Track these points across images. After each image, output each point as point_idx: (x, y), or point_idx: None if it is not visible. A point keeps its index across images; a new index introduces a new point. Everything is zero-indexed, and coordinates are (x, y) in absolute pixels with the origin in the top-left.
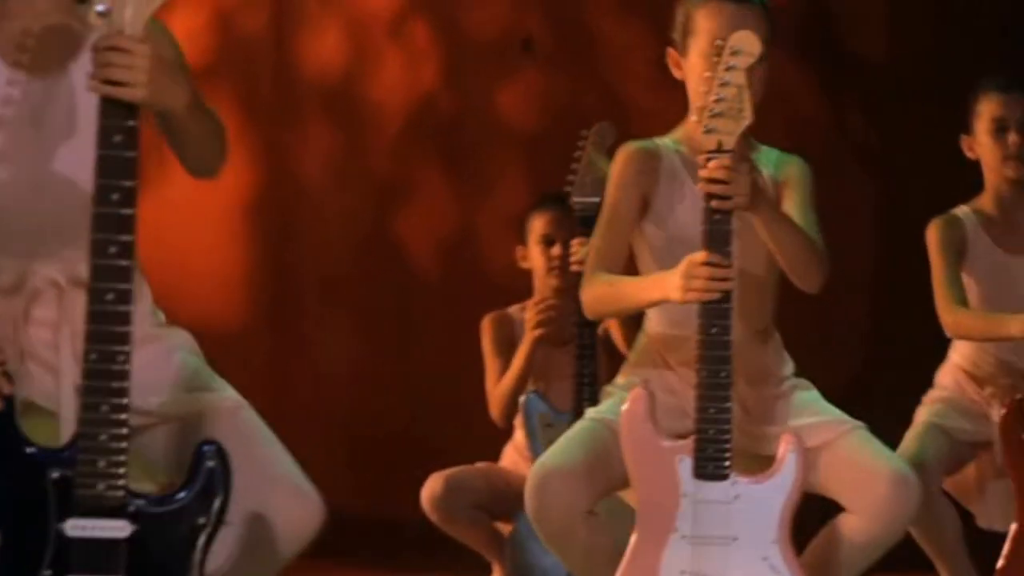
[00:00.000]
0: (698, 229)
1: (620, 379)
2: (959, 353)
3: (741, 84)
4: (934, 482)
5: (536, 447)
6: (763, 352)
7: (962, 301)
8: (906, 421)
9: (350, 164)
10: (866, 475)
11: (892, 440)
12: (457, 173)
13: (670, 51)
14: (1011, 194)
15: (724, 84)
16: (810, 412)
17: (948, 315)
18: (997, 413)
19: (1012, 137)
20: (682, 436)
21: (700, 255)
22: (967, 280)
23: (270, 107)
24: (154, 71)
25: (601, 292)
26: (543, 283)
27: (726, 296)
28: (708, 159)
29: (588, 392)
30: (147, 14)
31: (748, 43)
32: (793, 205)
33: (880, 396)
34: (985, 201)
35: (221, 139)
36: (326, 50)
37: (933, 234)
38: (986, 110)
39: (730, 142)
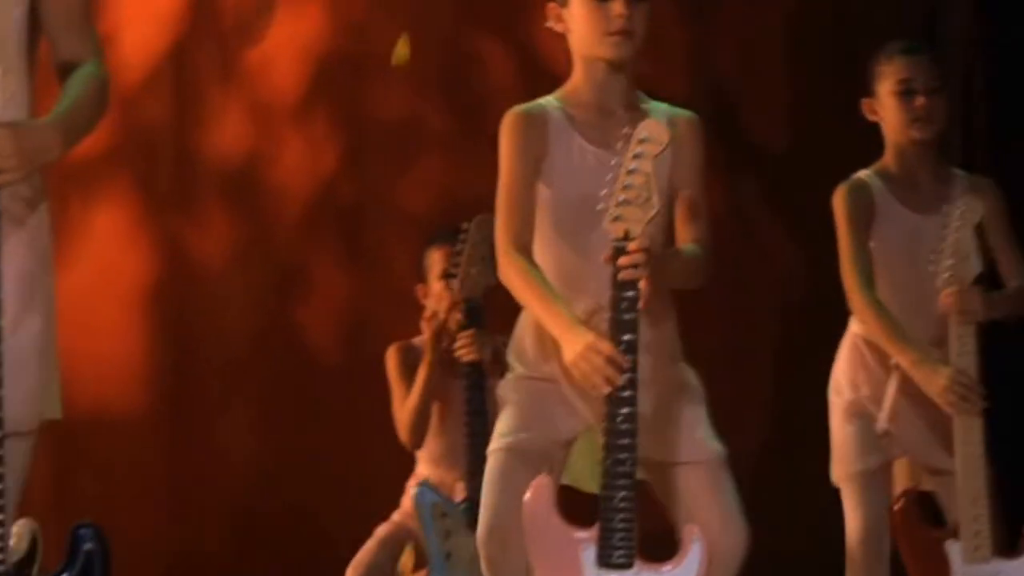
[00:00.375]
0: (591, 187)
1: (512, 382)
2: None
3: (648, 172)
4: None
5: (431, 541)
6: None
7: (869, 279)
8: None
9: (251, 250)
10: (704, 514)
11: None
12: (357, 259)
13: (550, 5)
14: (914, 155)
15: (632, 172)
16: (692, 425)
17: (859, 299)
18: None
19: (919, 100)
20: (569, 441)
21: (603, 346)
22: (878, 245)
23: (171, 193)
24: (20, 147)
25: (515, 282)
26: (447, 318)
27: (630, 383)
28: (617, 248)
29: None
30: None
31: (656, 132)
32: (687, 167)
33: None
34: (888, 162)
35: (104, 105)
36: (227, 136)
37: (840, 201)
38: (891, 72)
39: (637, 230)
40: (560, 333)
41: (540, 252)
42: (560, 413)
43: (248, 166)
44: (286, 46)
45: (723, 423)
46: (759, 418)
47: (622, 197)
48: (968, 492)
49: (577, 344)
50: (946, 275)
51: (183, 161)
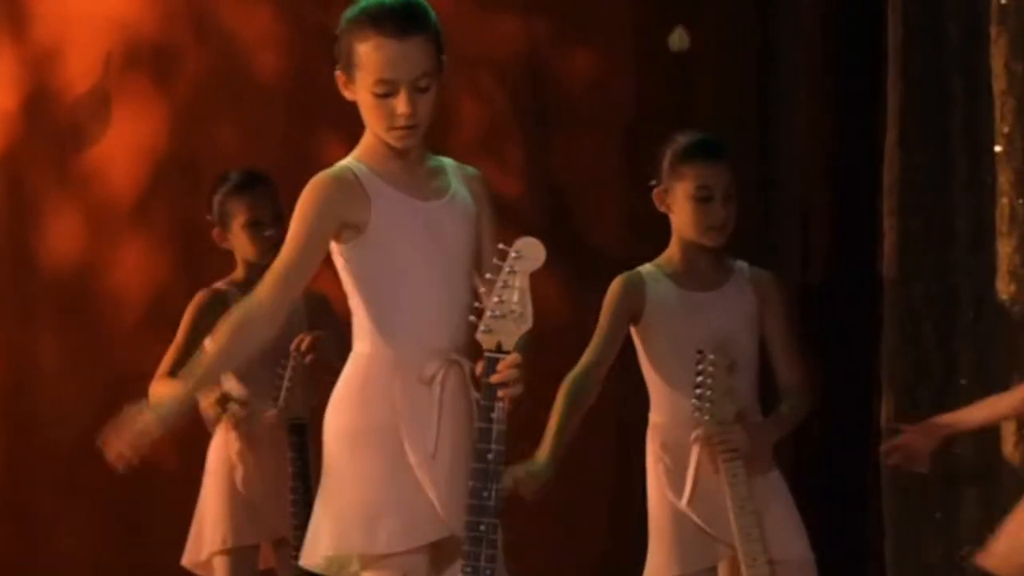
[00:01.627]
0: (410, 242)
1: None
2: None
3: (524, 288)
4: None
5: None
6: None
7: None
8: None
9: (85, 355)
10: None
11: None
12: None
13: (337, 73)
14: (701, 251)
15: (505, 287)
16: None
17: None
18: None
19: (717, 208)
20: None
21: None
22: (657, 334)
23: (4, 297)
24: None
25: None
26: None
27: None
28: (489, 359)
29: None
30: None
31: (533, 249)
32: (489, 220)
33: None
34: (672, 255)
35: None
36: (63, 239)
37: (612, 292)
38: (691, 175)
39: (509, 343)
40: None
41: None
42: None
43: (84, 270)
44: (123, 148)
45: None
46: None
47: (496, 311)
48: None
49: None
50: (706, 417)
51: (18, 265)
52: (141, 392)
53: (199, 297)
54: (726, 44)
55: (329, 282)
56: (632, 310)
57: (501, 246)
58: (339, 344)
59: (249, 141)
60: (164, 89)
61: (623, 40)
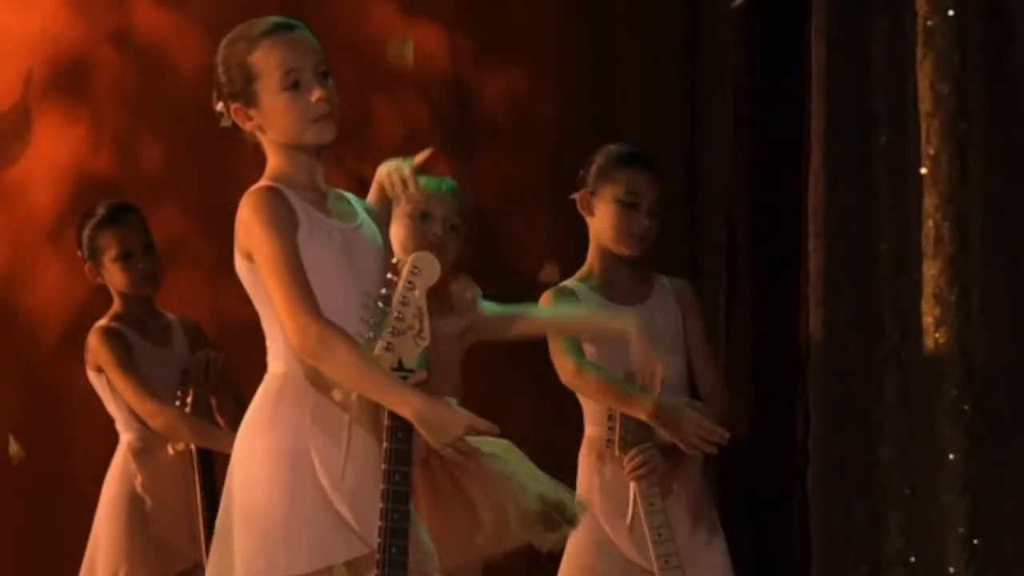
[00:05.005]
0: (330, 263)
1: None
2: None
3: (421, 306)
4: None
5: None
6: None
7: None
8: None
9: (4, 372)
10: None
11: None
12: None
13: (234, 107)
14: (616, 263)
15: (404, 303)
16: None
17: (570, 368)
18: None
19: (641, 217)
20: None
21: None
22: (588, 345)
23: None
24: None
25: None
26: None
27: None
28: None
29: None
30: None
31: (429, 264)
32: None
33: None
34: (592, 267)
35: None
36: None
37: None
38: (623, 180)
39: (411, 361)
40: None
41: None
42: None
43: (3, 287)
44: (44, 166)
45: None
46: None
47: (394, 327)
48: None
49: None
50: (626, 448)
51: None
52: (63, 411)
53: (100, 334)
54: (651, 66)
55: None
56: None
57: (395, 260)
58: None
59: (171, 160)
60: (86, 107)
61: (547, 60)
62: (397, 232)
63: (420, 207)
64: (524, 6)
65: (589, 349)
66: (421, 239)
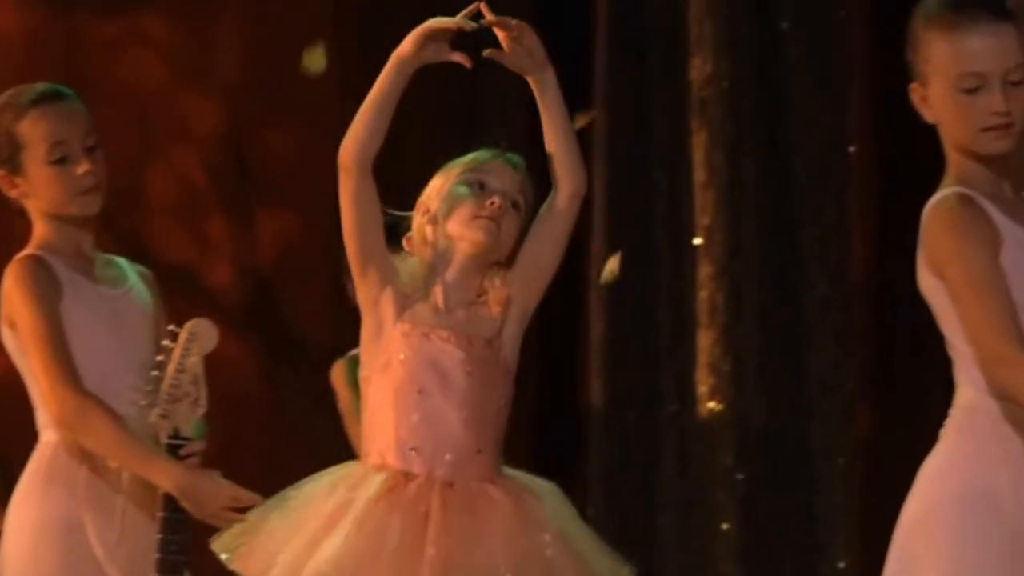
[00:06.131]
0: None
1: None
2: None
3: (198, 372)
4: None
5: None
6: None
7: None
8: None
9: None
10: None
11: None
12: None
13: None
14: None
15: (180, 370)
16: None
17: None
18: None
19: None
20: None
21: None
22: None
23: None
24: None
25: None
26: None
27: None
28: (169, 446)
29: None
30: None
31: (207, 330)
32: (163, 320)
33: None
34: None
35: None
36: None
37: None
38: None
39: (187, 429)
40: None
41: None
42: None
43: None
44: None
45: None
46: None
47: (170, 394)
48: None
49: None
50: None
51: None
52: None
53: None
54: (434, 124)
55: None
56: None
57: (171, 327)
58: None
59: None
60: None
61: (326, 121)
62: (449, 202)
63: (475, 174)
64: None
65: None
66: (477, 209)
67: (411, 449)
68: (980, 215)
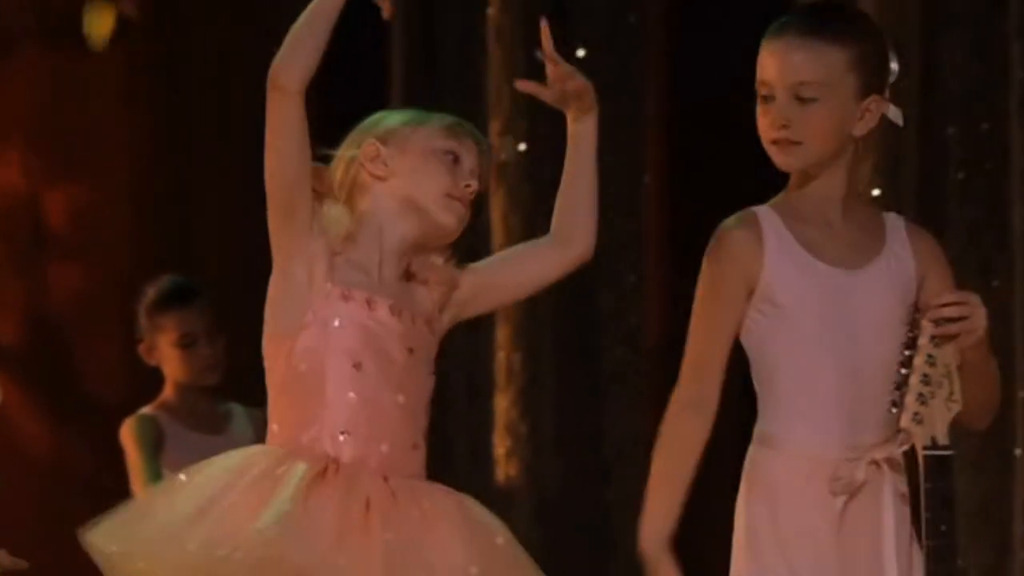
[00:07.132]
0: None
1: None
2: None
3: None
4: None
5: None
6: None
7: None
8: None
9: None
10: None
11: None
12: None
13: None
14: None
15: None
16: None
17: None
18: None
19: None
20: None
21: None
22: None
23: None
24: None
25: None
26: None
27: None
28: None
29: None
30: None
31: None
32: None
33: None
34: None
35: None
36: None
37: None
38: (170, 323)
39: None
40: None
41: None
42: None
43: None
44: None
45: None
46: None
47: None
48: None
49: None
50: None
51: None
52: None
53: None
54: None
55: None
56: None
57: None
58: None
59: None
60: None
61: (120, 177)
62: (419, 163)
63: (452, 143)
64: (99, 123)
65: None
66: (452, 187)
67: (342, 432)
68: (739, 244)
